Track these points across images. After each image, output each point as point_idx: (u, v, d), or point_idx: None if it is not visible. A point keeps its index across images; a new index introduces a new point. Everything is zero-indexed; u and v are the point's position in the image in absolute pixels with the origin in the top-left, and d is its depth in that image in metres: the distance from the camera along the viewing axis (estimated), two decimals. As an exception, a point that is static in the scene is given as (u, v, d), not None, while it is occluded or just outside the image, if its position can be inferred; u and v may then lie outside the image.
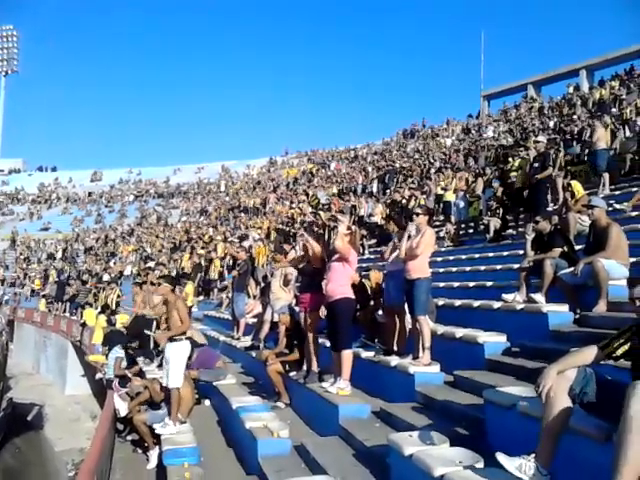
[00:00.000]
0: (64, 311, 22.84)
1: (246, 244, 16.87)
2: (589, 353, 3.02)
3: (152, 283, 12.72)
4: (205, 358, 8.53)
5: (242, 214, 31.28)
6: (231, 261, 16.83)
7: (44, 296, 26.61)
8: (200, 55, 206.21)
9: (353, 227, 7.09)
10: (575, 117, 20.48)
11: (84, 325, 17.14)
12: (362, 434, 4.88)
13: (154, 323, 10.82)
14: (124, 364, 9.35)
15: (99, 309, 16.59)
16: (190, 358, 8.49)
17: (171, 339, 6.83)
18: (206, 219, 35.79)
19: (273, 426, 5.51)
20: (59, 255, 37.07)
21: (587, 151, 12.67)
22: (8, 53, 69.54)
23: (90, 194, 53.36)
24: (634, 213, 8.80)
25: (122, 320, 12.73)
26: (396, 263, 6.51)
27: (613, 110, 18.28)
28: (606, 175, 11.12)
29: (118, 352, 9.43)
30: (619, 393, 2.68)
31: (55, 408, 18.07)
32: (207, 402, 8.37)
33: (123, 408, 7.64)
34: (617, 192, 10.66)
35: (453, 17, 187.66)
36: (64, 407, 18.42)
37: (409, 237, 6.39)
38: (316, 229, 16.89)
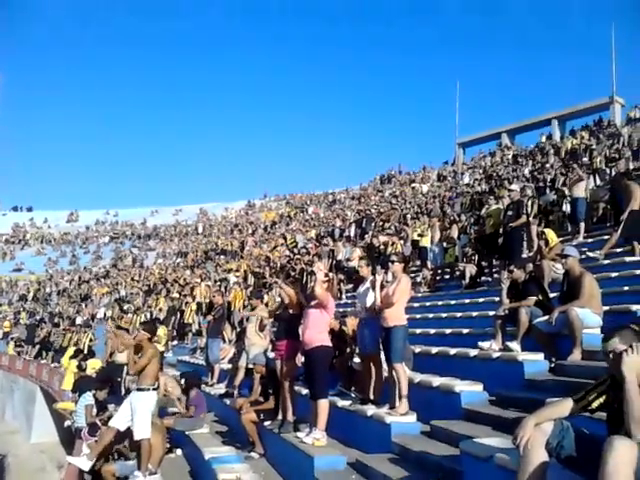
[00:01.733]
0: (36, 355, 22.28)
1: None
2: (565, 406, 3.02)
3: (119, 327, 12.54)
4: (198, 402, 8.41)
5: (220, 256, 31.16)
6: (206, 306, 16.66)
7: (12, 339, 25.96)
8: (180, 97, 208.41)
9: (330, 274, 7.09)
10: (548, 165, 20.99)
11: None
12: (338, 487, 4.77)
13: (124, 369, 10.60)
14: (94, 411, 9.09)
15: (71, 353, 16.22)
16: (188, 395, 8.38)
17: (139, 389, 6.69)
18: (183, 261, 35.56)
19: (246, 478, 5.39)
20: (31, 296, 36.38)
21: (564, 199, 12.95)
22: (-12, 96, 69.69)
23: (65, 234, 52.83)
24: (606, 261, 8.95)
25: (93, 366, 12.44)
26: (371, 310, 6.49)
27: (584, 159, 18.78)
28: (582, 224, 11.37)
29: (88, 399, 9.17)
30: (596, 447, 2.68)
31: (19, 458, 17.40)
32: (179, 451, 8.16)
33: (85, 464, 7.28)
34: (590, 240, 10.86)
35: (430, 67, 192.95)
36: (29, 456, 17.75)
37: (382, 285, 6.40)
38: (292, 274, 16.86)
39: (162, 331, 15.42)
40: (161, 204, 61.74)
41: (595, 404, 2.95)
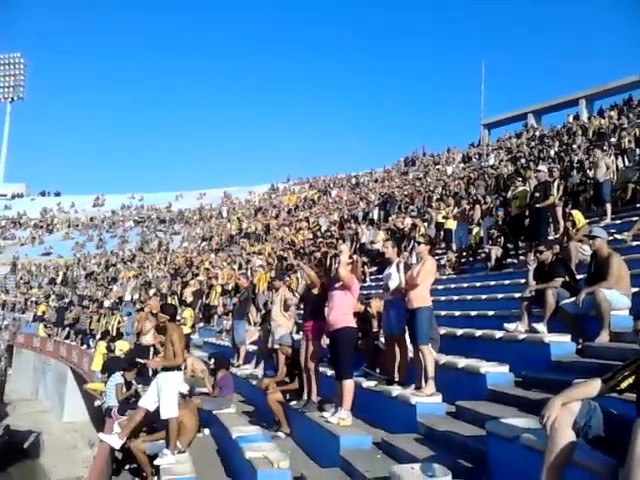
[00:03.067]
0: (66, 337, 22.74)
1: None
2: (593, 386, 3.00)
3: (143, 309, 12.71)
4: (225, 383, 8.51)
5: (245, 239, 31.32)
6: (232, 288, 16.80)
7: (43, 321, 26.50)
8: (205, 82, 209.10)
9: (354, 256, 7.09)
10: (575, 146, 20.61)
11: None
12: (363, 466, 4.81)
13: (151, 350, 10.77)
14: (124, 390, 9.28)
15: (99, 335, 16.52)
16: (215, 376, 8.49)
17: (164, 369, 6.81)
18: (208, 245, 35.82)
19: (273, 457, 5.43)
20: (60, 280, 37.04)
21: (590, 181, 12.74)
22: (15, 80, 70.90)
23: (92, 219, 53.54)
24: (635, 243, 8.81)
25: (121, 348, 12.65)
26: (396, 292, 6.50)
27: (612, 140, 18.39)
28: (609, 205, 11.17)
29: (118, 379, 9.36)
30: (625, 428, 2.66)
31: (52, 435, 17.91)
32: (206, 431, 8.28)
33: (116, 442, 7.45)
34: (618, 221, 10.67)
35: (454, 46, 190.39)
36: (61, 434, 18.26)
37: (406, 266, 6.40)
38: (316, 256, 16.89)
39: (188, 313, 15.61)
40: (185, 188, 62.21)
41: (624, 384, 2.93)
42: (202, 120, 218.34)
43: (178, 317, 11.72)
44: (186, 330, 12.97)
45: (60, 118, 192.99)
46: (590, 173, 12.57)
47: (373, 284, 13.76)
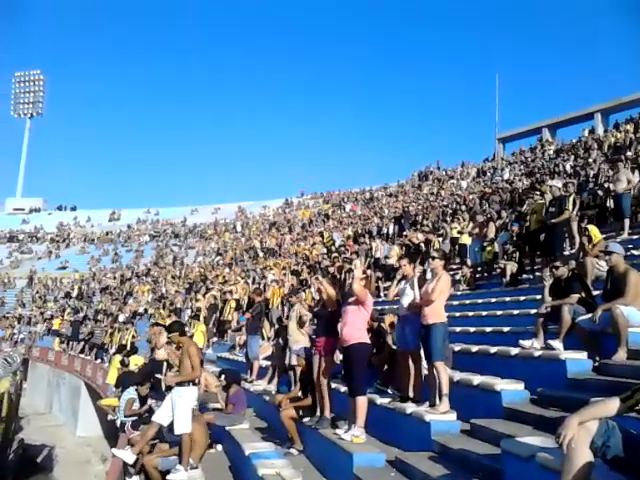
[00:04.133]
0: (81, 351, 22.87)
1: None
2: (611, 405, 2.94)
3: (157, 324, 12.73)
4: (238, 399, 8.49)
5: (260, 254, 31.37)
6: (246, 303, 16.82)
7: (58, 335, 26.68)
8: (219, 96, 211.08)
9: (368, 271, 7.08)
10: (590, 160, 20.48)
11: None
12: (377, 484, 4.77)
13: (164, 365, 10.79)
14: (136, 405, 9.30)
15: (114, 349, 16.58)
16: (228, 392, 8.45)
17: (179, 384, 6.80)
18: (222, 259, 35.93)
19: (286, 474, 5.41)
20: (75, 294, 37.30)
21: (607, 195, 12.64)
22: (34, 96, 72.27)
23: (108, 233, 53.99)
24: (652, 258, 8.70)
25: (136, 362, 12.69)
26: (410, 307, 6.46)
27: (629, 153, 18.25)
28: (627, 220, 11.06)
29: (131, 394, 9.39)
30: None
31: (66, 450, 17.95)
32: (219, 447, 8.25)
33: (129, 457, 7.43)
34: (635, 237, 10.56)
35: (468, 60, 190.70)
36: (75, 449, 18.29)
37: (420, 281, 6.38)
38: (331, 271, 16.86)
39: (200, 327, 15.62)
40: (200, 203, 62.56)
41: (643, 403, 2.87)
42: (217, 135, 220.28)
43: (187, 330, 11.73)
44: (199, 345, 12.97)
45: (77, 133, 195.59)
46: (610, 186, 12.43)
47: (387, 299, 13.69)
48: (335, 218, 35.53)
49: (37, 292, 40.48)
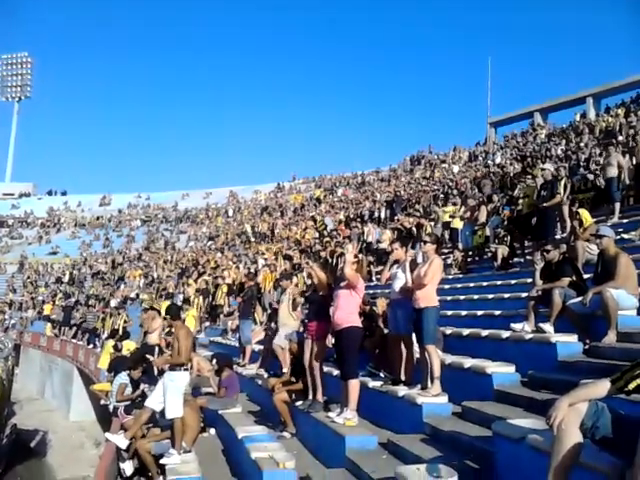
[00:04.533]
0: (73, 336, 22.82)
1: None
2: (601, 387, 2.96)
3: (152, 308, 12.72)
4: (231, 383, 8.51)
5: (252, 238, 31.31)
6: (238, 287, 16.80)
7: (50, 320, 26.59)
8: (211, 81, 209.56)
9: (360, 255, 7.07)
10: (582, 144, 20.52)
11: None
12: (369, 466, 4.81)
13: (156, 349, 10.79)
14: (128, 390, 9.29)
15: (106, 334, 16.56)
16: (220, 377, 8.47)
17: (171, 368, 6.81)
18: (214, 244, 35.86)
19: (279, 457, 5.43)
20: (66, 279, 37.17)
21: (598, 178, 12.65)
22: (22, 79, 71.19)
23: (98, 218, 53.70)
24: (643, 242, 8.73)
25: (128, 347, 12.69)
26: (402, 291, 6.48)
27: (620, 138, 18.29)
28: (617, 204, 11.09)
29: (123, 378, 9.38)
30: (633, 429, 2.63)
31: (59, 435, 17.98)
32: (212, 431, 8.29)
33: (123, 442, 7.45)
34: (625, 220, 10.60)
35: (460, 44, 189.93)
36: (68, 434, 18.32)
37: (412, 265, 6.39)
38: (323, 255, 16.87)
39: (192, 312, 15.63)
40: (192, 187, 62.21)
41: (632, 385, 2.89)
42: (208, 119, 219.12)
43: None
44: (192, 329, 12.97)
45: (67, 117, 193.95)
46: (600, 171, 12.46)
47: (379, 284, 13.72)
48: (327, 202, 35.48)
49: (28, 277, 40.28)
